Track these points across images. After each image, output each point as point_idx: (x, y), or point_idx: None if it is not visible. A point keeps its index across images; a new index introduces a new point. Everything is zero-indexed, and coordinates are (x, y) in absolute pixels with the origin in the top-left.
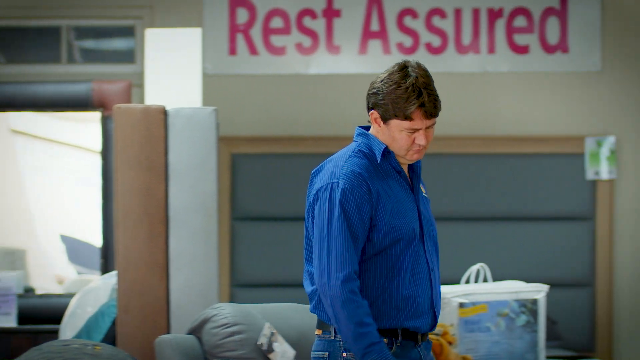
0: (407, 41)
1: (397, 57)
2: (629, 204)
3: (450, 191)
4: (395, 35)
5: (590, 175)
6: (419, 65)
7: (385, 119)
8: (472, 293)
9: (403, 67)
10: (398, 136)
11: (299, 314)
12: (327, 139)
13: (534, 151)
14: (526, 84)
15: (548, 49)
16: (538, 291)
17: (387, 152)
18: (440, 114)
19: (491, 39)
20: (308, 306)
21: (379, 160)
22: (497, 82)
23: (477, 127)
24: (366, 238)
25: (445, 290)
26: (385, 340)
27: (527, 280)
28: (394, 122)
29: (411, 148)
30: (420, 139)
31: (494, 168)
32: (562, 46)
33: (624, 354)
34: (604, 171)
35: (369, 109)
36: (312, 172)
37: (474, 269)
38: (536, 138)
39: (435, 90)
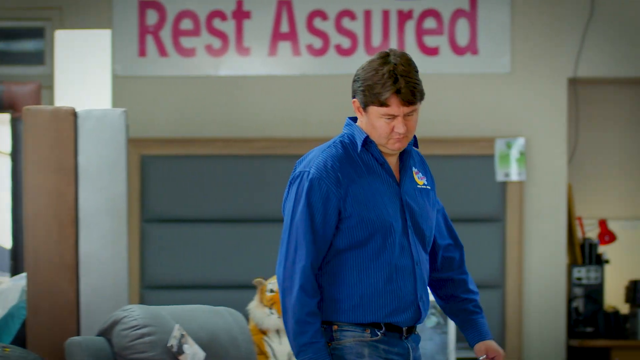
0: (317, 43)
1: (306, 59)
2: (538, 205)
3: None
4: (305, 37)
5: (500, 176)
6: (402, 54)
7: (364, 106)
8: None
9: (384, 55)
10: (377, 123)
11: (209, 316)
12: (237, 140)
13: (445, 153)
14: (436, 85)
15: (458, 50)
16: None
17: (368, 142)
18: (349, 115)
19: (401, 41)
20: (218, 307)
21: (359, 150)
22: None
23: None
24: (334, 230)
25: None
26: (367, 330)
27: None
28: (372, 109)
29: (391, 136)
30: (399, 127)
31: None
32: (471, 48)
33: (533, 353)
34: (514, 173)
35: (353, 97)
36: (297, 162)
37: None
38: (446, 140)
39: (415, 79)
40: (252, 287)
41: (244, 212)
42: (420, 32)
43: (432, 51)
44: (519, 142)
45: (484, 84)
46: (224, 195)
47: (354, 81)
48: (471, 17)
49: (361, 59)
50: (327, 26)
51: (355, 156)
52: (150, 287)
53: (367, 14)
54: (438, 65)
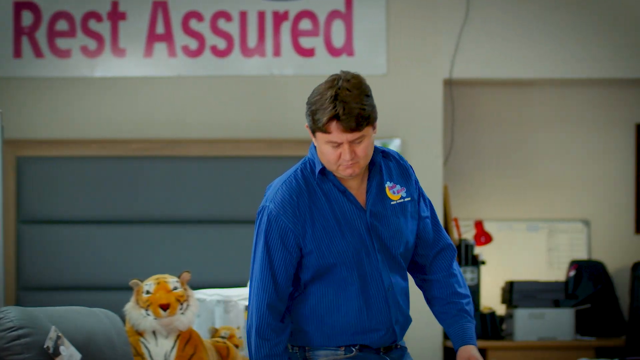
0: (193, 44)
1: (182, 60)
2: None
3: (236, 194)
4: (180, 38)
5: None
6: (352, 77)
7: (312, 132)
8: None
9: (334, 78)
10: (324, 150)
11: (85, 317)
12: (113, 141)
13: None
14: (312, 87)
15: (333, 52)
16: None
17: (326, 171)
18: (227, 117)
19: (277, 42)
20: (94, 309)
21: (315, 179)
22: (283, 85)
23: (264, 130)
24: (295, 265)
25: (231, 293)
26: (342, 348)
27: None
28: (318, 135)
29: (339, 163)
30: (345, 154)
31: (281, 170)
32: (347, 49)
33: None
34: None
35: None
36: (267, 186)
37: None
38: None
39: (360, 104)
40: (129, 289)
41: (121, 213)
42: (295, 33)
43: (308, 52)
44: (395, 143)
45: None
46: (100, 197)
47: (306, 105)
48: (347, 19)
49: (237, 60)
50: (203, 27)
51: (315, 186)
52: (27, 288)
53: (243, 15)
54: (314, 66)
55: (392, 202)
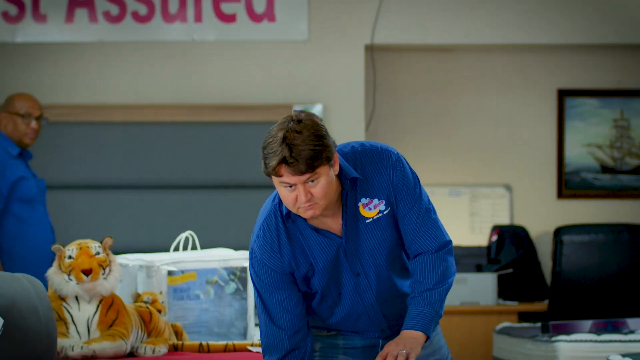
0: (114, 10)
1: (103, 26)
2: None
3: (157, 159)
4: (101, 4)
5: None
6: (305, 117)
7: (267, 175)
8: (180, 261)
9: (284, 121)
10: (282, 193)
11: (7, 283)
12: None
13: (242, 119)
14: (233, 52)
15: (255, 17)
16: (246, 259)
17: (292, 215)
18: (148, 83)
19: (198, 8)
20: (16, 274)
21: (284, 223)
22: (204, 50)
23: (185, 95)
24: (294, 299)
25: (154, 258)
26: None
27: (236, 248)
28: (273, 178)
29: (299, 205)
30: (301, 196)
31: (202, 136)
32: (268, 15)
33: None
34: None
35: None
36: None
37: (182, 236)
38: (244, 106)
39: (309, 145)
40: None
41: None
42: None
43: (229, 18)
44: (317, 109)
45: (281, 51)
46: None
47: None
48: None
49: (158, 26)
50: None
51: (290, 225)
52: None
53: None
54: (235, 32)
55: (367, 221)
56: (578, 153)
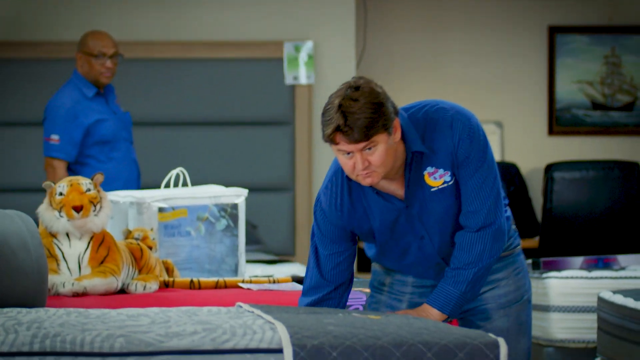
0: None
1: None
2: None
3: (150, 96)
4: None
5: (289, 80)
6: (364, 84)
7: (325, 141)
8: (171, 197)
9: (343, 87)
10: (340, 160)
11: None
12: None
13: (233, 56)
14: None
15: None
16: (238, 195)
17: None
18: (138, 20)
19: None
20: (7, 211)
21: (349, 181)
22: None
23: (176, 32)
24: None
25: (145, 194)
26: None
27: (227, 185)
28: (331, 145)
29: (356, 172)
30: (358, 164)
31: (193, 73)
32: None
33: None
34: (303, 76)
35: None
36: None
37: (173, 173)
38: (235, 43)
39: (364, 114)
40: (43, 190)
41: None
42: None
43: None
44: (308, 46)
45: None
46: None
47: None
48: None
49: None
50: None
51: (354, 185)
52: None
53: None
54: None
55: (432, 189)
56: (569, 90)
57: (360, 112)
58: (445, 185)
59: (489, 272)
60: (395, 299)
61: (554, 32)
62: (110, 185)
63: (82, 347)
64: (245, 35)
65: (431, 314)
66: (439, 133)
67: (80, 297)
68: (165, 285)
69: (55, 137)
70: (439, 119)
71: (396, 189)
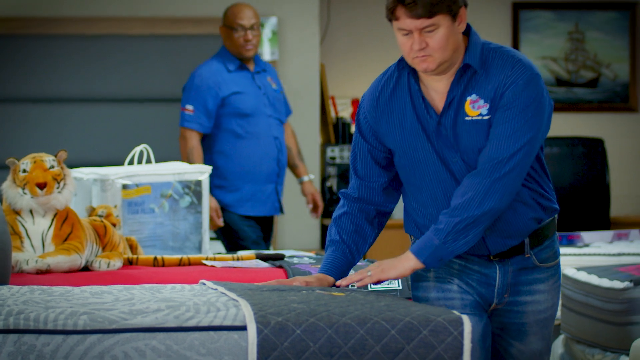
0: None
1: None
2: (291, 85)
3: (112, 73)
4: None
5: None
6: None
7: (389, 20)
8: (135, 174)
9: None
10: (399, 40)
11: None
12: None
13: (196, 32)
14: None
15: None
16: (202, 172)
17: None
18: None
19: None
20: None
21: (401, 72)
22: None
23: (139, 8)
24: (377, 158)
25: (108, 171)
26: None
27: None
28: (393, 23)
29: (413, 55)
30: (415, 44)
31: (157, 49)
32: None
33: (287, 235)
34: (267, 52)
35: None
36: None
37: (137, 150)
38: (198, 19)
39: None
40: (6, 167)
41: None
42: None
43: None
44: (272, 22)
45: None
46: None
47: None
48: None
49: None
50: None
51: (404, 77)
52: None
53: None
54: None
55: (466, 118)
56: None
57: None
58: (480, 118)
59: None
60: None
61: (518, 8)
62: (246, 160)
63: (46, 324)
64: (209, 11)
65: (403, 257)
66: (499, 66)
67: (44, 275)
68: (129, 263)
69: (189, 108)
70: (508, 55)
71: (437, 97)
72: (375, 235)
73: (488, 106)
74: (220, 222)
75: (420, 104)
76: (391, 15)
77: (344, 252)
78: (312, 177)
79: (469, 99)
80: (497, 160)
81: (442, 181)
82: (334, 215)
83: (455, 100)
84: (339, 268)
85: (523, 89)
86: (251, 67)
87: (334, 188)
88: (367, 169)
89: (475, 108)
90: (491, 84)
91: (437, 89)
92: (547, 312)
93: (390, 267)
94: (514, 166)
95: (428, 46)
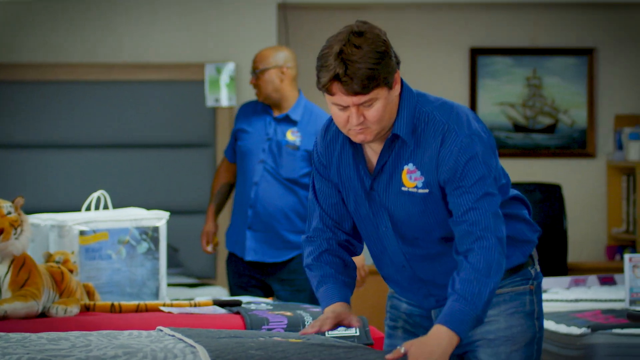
0: None
1: None
2: None
3: (72, 118)
4: None
5: (210, 102)
6: (368, 30)
7: (319, 89)
8: (92, 221)
9: (344, 32)
10: (333, 112)
11: None
12: None
13: (155, 78)
14: (146, 10)
15: None
16: (159, 218)
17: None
18: (61, 41)
19: None
20: None
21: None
22: (117, 9)
23: (98, 54)
24: (334, 195)
25: (66, 217)
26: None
27: (149, 208)
28: (326, 95)
29: (349, 127)
30: (352, 118)
31: (114, 95)
32: None
33: None
34: (224, 98)
35: None
36: None
37: (94, 196)
38: (157, 65)
39: (366, 64)
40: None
41: None
42: None
43: None
44: (229, 67)
45: (193, 9)
46: None
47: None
48: None
49: None
50: None
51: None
52: None
53: None
54: None
55: (402, 188)
56: (491, 112)
57: (362, 61)
58: (416, 191)
59: (494, 293)
60: (391, 327)
61: (476, 53)
62: (234, 198)
63: None
64: (166, 57)
65: (440, 338)
66: (430, 136)
67: (1, 321)
68: (86, 309)
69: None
70: (438, 122)
71: (373, 156)
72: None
73: (424, 179)
74: (208, 249)
75: (361, 161)
76: (325, 90)
77: (344, 281)
78: None
79: (406, 168)
80: (477, 228)
81: (380, 238)
82: (308, 261)
83: (387, 166)
84: (345, 294)
85: (464, 159)
86: (276, 112)
87: None
88: (327, 201)
89: (411, 179)
90: (427, 155)
91: (375, 149)
92: (496, 333)
93: (435, 355)
94: (491, 209)
95: (365, 119)
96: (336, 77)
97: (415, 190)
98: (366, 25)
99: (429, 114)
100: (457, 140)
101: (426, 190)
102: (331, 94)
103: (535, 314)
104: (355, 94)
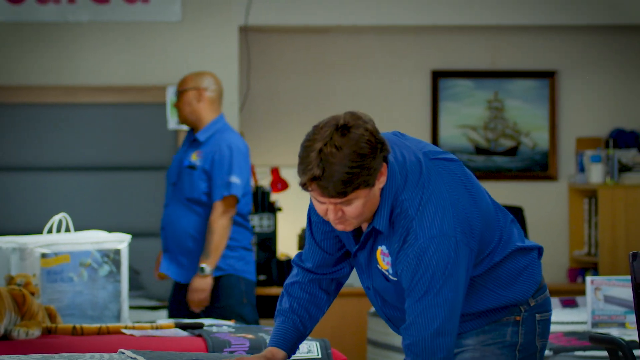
0: None
1: None
2: None
3: (32, 141)
4: None
5: (171, 124)
6: (355, 127)
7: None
8: (54, 243)
9: (330, 127)
10: (313, 203)
11: None
12: None
13: (116, 101)
14: (107, 33)
15: None
16: (121, 241)
17: None
18: (21, 64)
19: None
20: None
21: None
22: (77, 31)
23: (59, 76)
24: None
25: (27, 240)
26: None
27: (110, 230)
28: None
29: (328, 218)
30: (330, 214)
31: (75, 118)
32: None
33: None
34: None
35: None
36: None
37: (56, 218)
38: (118, 88)
39: (345, 167)
40: None
41: None
42: None
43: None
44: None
45: (155, 32)
46: None
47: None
48: None
49: (31, 7)
50: None
51: None
52: None
53: None
54: (109, 13)
55: (377, 266)
56: (452, 134)
57: (341, 164)
58: (387, 274)
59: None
60: None
61: (437, 76)
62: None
63: None
64: (128, 80)
65: None
66: (397, 230)
67: None
68: (48, 332)
69: None
70: (409, 212)
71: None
72: (330, 301)
73: (391, 266)
74: (156, 275)
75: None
76: (304, 188)
77: (294, 322)
78: (205, 268)
79: (380, 248)
80: (416, 348)
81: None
82: (286, 283)
83: (368, 243)
84: (289, 341)
85: (416, 267)
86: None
87: (254, 257)
88: (322, 237)
89: (384, 262)
90: (394, 246)
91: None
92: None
93: None
94: (433, 326)
95: (344, 214)
96: (314, 179)
97: (387, 274)
98: (354, 119)
99: (402, 204)
100: (415, 245)
101: (395, 279)
102: (310, 190)
103: (517, 346)
104: (331, 197)
